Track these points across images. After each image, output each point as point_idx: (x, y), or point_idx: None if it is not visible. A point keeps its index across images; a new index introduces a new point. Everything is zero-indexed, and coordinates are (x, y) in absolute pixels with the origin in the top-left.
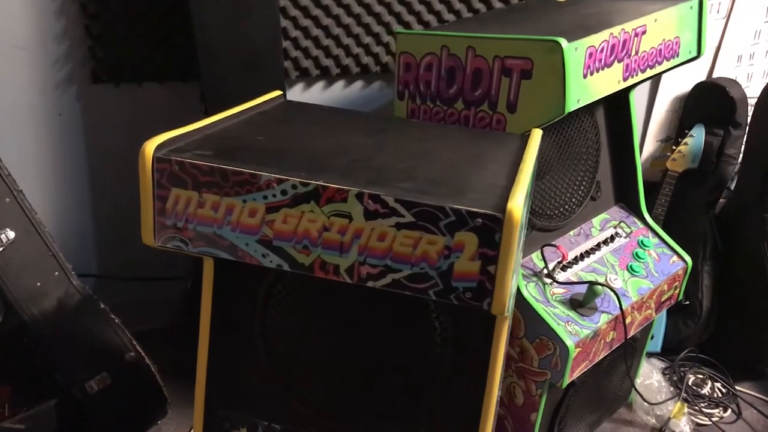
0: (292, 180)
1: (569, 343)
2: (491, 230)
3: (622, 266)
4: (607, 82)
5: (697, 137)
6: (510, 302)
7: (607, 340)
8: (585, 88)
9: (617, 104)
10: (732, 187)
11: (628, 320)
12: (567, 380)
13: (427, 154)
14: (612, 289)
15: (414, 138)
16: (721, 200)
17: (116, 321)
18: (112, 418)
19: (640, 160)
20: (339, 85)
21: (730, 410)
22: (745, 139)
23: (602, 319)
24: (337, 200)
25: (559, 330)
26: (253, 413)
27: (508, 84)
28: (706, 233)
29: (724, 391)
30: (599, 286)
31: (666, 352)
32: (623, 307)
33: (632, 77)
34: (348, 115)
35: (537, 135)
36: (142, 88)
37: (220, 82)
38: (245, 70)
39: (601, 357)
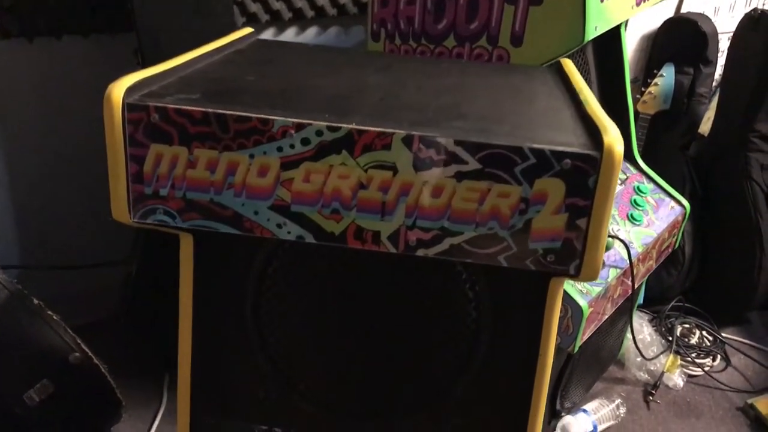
0: (317, 124)
1: (582, 302)
2: (584, 173)
3: (622, 215)
4: (622, 7)
5: (667, 77)
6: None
7: (615, 297)
8: (602, 14)
9: (609, 40)
10: (702, 131)
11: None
12: (579, 344)
13: (460, 90)
14: (622, 241)
15: (432, 74)
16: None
17: (55, 318)
18: (58, 428)
19: (631, 102)
20: (291, 31)
21: (719, 358)
22: (720, 76)
23: (611, 275)
24: (377, 148)
25: (570, 289)
26: (249, 418)
27: (512, 12)
28: (684, 177)
29: (711, 339)
30: (610, 239)
31: (648, 303)
32: (632, 260)
33: (644, 1)
34: (339, 53)
35: (569, 65)
36: (62, 43)
37: (159, 32)
38: (191, 16)
39: (609, 314)
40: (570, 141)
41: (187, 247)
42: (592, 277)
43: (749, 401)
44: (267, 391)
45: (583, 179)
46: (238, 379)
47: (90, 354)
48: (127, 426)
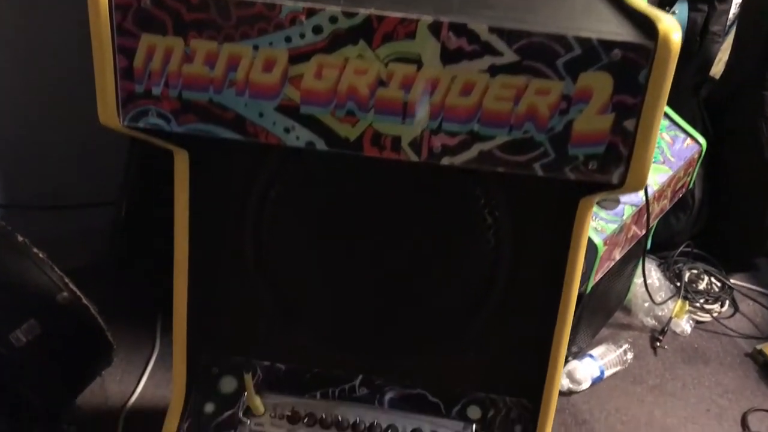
0: (331, 10)
1: (597, 240)
2: (635, 66)
3: None
4: None
5: (680, 14)
6: None
7: (629, 236)
8: None
9: None
10: (713, 73)
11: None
12: (592, 284)
13: None
14: None
15: None
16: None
17: (41, 256)
18: (46, 372)
19: None
20: None
21: (727, 304)
22: (737, 13)
23: (627, 212)
24: (399, 37)
25: None
26: (249, 353)
27: None
28: (695, 118)
29: (719, 285)
30: None
31: (656, 249)
32: (648, 197)
33: None
34: None
35: None
36: None
37: None
38: None
39: (621, 255)
40: (617, 31)
41: (182, 166)
42: (636, 188)
43: (758, 347)
44: (268, 324)
45: (634, 73)
46: (238, 311)
47: (79, 294)
48: (118, 371)
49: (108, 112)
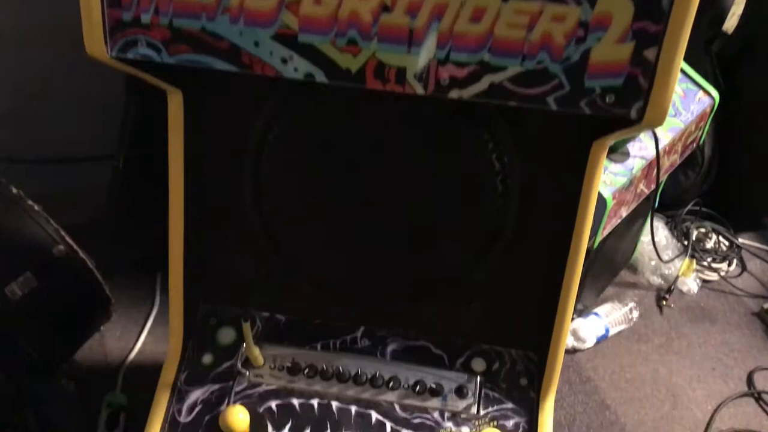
0: None
1: (606, 194)
2: None
3: None
4: None
5: None
6: None
7: (638, 191)
8: None
9: None
10: (725, 28)
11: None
12: (599, 239)
13: None
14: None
15: None
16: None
17: (36, 209)
18: (43, 326)
19: None
20: None
21: (735, 263)
22: None
23: (636, 166)
24: None
25: None
26: (248, 303)
27: None
28: (707, 73)
29: (727, 243)
30: None
31: (663, 207)
32: (659, 150)
33: None
34: None
35: None
36: None
37: None
38: None
39: (629, 211)
40: None
41: (176, 108)
42: (655, 123)
43: (765, 306)
44: (268, 274)
45: None
46: (236, 259)
47: (75, 248)
48: (118, 326)
49: (94, 41)
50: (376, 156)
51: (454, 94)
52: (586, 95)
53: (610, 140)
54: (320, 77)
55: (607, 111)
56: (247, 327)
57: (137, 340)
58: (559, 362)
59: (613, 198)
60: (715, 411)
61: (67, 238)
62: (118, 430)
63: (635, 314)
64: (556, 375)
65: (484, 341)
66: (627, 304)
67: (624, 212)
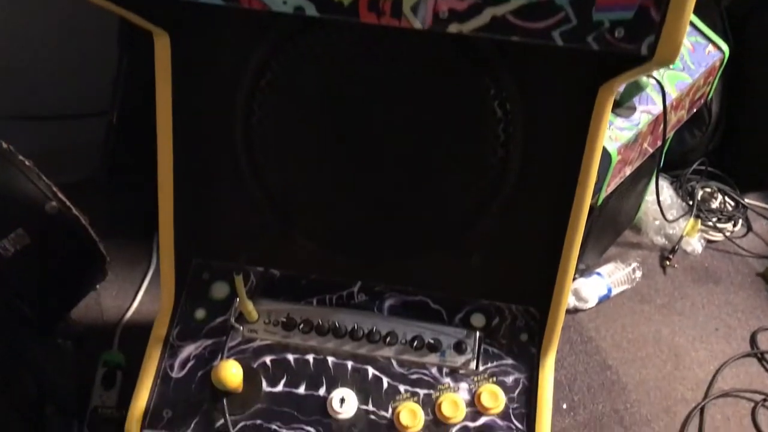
0: None
1: (611, 148)
2: None
3: None
4: None
5: None
6: None
7: (643, 147)
8: None
9: None
10: None
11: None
12: (603, 196)
13: None
14: (658, 81)
15: None
16: None
17: (27, 164)
18: (37, 284)
19: None
20: None
21: (740, 223)
22: None
23: (643, 121)
24: None
25: None
26: (242, 259)
27: None
28: (716, 29)
29: (733, 204)
30: (644, 78)
31: (669, 167)
32: (666, 104)
33: None
34: None
35: None
36: None
37: None
38: None
39: (633, 169)
40: None
41: (163, 53)
42: (668, 60)
43: None
44: (261, 227)
45: None
46: (229, 212)
47: (68, 204)
48: (114, 286)
49: None
50: (372, 103)
51: (453, 28)
52: (594, 29)
53: (618, 83)
54: (311, 10)
55: (616, 46)
56: (239, 280)
57: (134, 299)
58: (560, 318)
59: (618, 153)
60: (717, 371)
61: (60, 195)
62: (115, 389)
63: (638, 274)
64: (558, 331)
65: (484, 296)
66: (630, 264)
67: (628, 170)
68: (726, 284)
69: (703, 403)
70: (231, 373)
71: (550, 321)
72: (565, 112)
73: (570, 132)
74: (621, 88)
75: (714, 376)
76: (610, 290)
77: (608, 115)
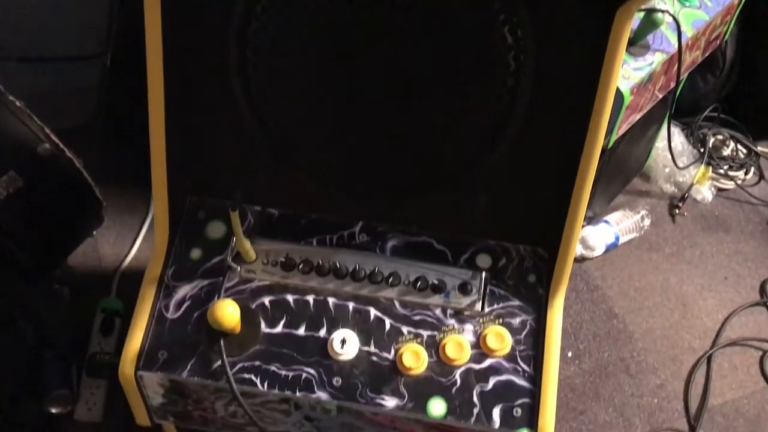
0: None
1: (624, 88)
2: None
3: None
4: None
5: None
6: None
7: (656, 89)
8: None
9: None
10: None
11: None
12: (615, 137)
13: None
14: (674, 18)
15: None
16: None
17: (18, 104)
18: (32, 228)
19: None
20: None
21: (752, 172)
22: None
23: (657, 60)
24: None
25: None
26: (239, 198)
27: None
28: None
29: (745, 151)
30: (659, 14)
31: (680, 114)
32: (681, 44)
33: None
34: None
35: None
36: None
37: None
38: None
39: (645, 110)
40: None
41: None
42: None
43: None
44: (258, 162)
45: None
46: (224, 149)
47: (62, 147)
48: (112, 233)
49: None
50: (375, 29)
51: None
52: None
53: (637, 4)
54: None
55: None
56: (235, 216)
57: (132, 245)
58: (570, 258)
59: (631, 93)
60: (725, 320)
61: (53, 137)
62: (113, 335)
63: (647, 222)
64: (567, 272)
65: (491, 237)
66: (638, 212)
67: (644, 109)
68: (736, 233)
69: (710, 352)
70: (228, 312)
71: (559, 261)
72: (580, 40)
73: (584, 61)
74: (634, 26)
75: (722, 325)
76: (617, 238)
77: (624, 45)
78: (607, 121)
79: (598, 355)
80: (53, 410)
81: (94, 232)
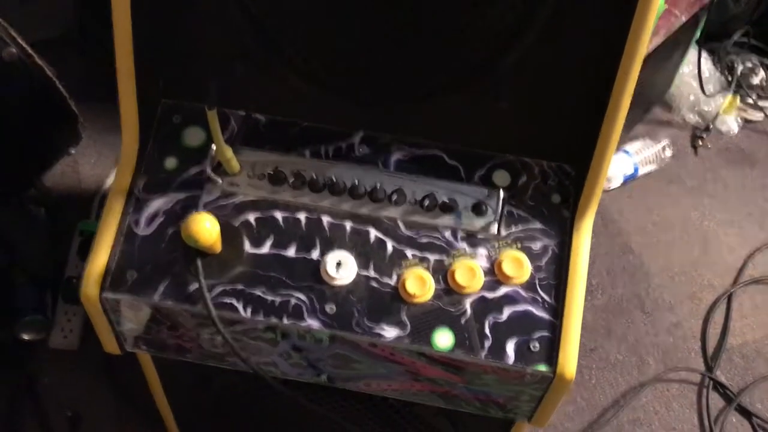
0: None
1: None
2: None
3: None
4: None
5: None
6: None
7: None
8: None
9: None
10: None
11: None
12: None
13: None
14: None
15: None
16: None
17: None
18: (4, 141)
19: None
20: None
21: None
22: None
23: None
24: None
25: None
26: (221, 99)
27: None
28: None
29: None
30: None
31: (707, 39)
32: None
33: None
34: None
35: None
36: None
37: None
38: None
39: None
40: None
41: None
42: None
43: None
44: (243, 60)
45: None
46: (203, 42)
47: (30, 52)
48: (93, 152)
49: None
50: None
51: None
52: None
53: None
54: None
55: None
56: (213, 116)
57: (114, 167)
58: (602, 177)
59: (666, 2)
60: (748, 257)
61: (20, 40)
62: None
63: (668, 154)
64: (598, 192)
65: (510, 150)
66: (660, 142)
67: (660, 39)
68: (763, 167)
69: (731, 290)
70: (204, 227)
71: (589, 179)
72: None
73: None
74: None
75: (744, 262)
76: (636, 169)
77: None
78: (656, 10)
79: (611, 291)
80: (26, 337)
81: (72, 150)
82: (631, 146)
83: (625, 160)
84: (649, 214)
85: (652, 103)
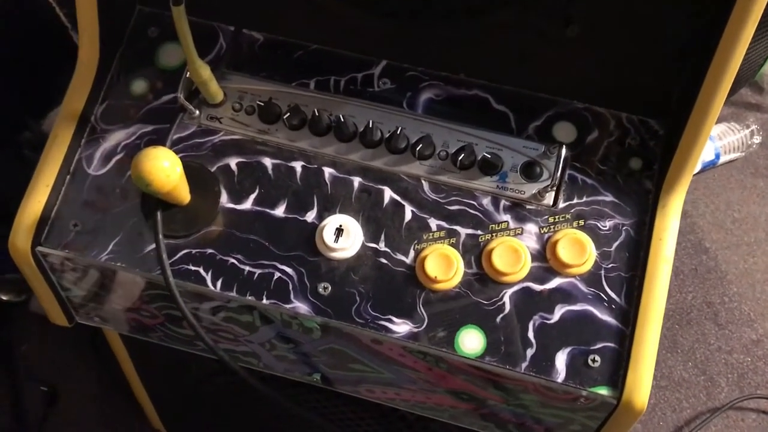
0: None
1: None
2: None
3: None
4: None
5: None
6: None
7: None
8: None
9: None
10: None
11: None
12: None
13: None
14: None
15: None
16: None
17: None
18: None
19: None
20: None
21: None
22: None
23: None
24: None
25: None
26: (210, 11)
27: None
28: None
29: None
30: None
31: None
32: None
33: None
34: None
35: None
36: None
37: None
38: None
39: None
40: None
41: None
42: None
43: None
44: None
45: None
46: None
47: None
48: None
49: None
50: None
51: None
52: None
53: None
54: None
55: None
56: (180, 13)
57: None
58: (702, 139)
59: None
60: None
61: None
62: None
63: (756, 140)
64: (695, 159)
65: (578, 96)
66: (748, 127)
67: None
68: None
69: None
70: (159, 165)
71: (684, 140)
72: None
73: None
74: None
75: None
76: (718, 155)
77: None
78: None
79: (679, 296)
80: (4, 297)
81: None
82: (714, 129)
83: (707, 143)
84: (729, 209)
85: (741, 81)
